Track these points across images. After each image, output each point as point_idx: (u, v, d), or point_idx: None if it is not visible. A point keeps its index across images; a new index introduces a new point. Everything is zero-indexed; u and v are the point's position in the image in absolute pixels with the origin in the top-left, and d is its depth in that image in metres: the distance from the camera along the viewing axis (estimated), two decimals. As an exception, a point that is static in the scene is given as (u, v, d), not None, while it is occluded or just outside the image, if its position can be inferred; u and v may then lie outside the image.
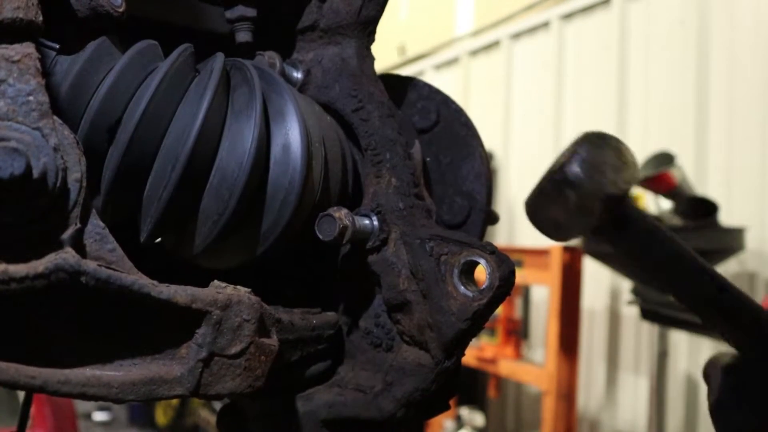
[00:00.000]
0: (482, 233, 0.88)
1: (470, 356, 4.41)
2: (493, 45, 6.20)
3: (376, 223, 0.73)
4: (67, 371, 0.51)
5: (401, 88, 0.90)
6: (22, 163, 0.47)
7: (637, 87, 4.80)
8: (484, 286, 0.66)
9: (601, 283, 4.78)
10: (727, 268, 3.98)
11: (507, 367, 4.34)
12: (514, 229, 5.77)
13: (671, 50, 4.57)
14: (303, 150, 0.66)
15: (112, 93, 0.60)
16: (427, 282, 0.69)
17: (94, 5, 0.60)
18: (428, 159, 0.89)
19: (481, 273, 0.67)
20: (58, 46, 0.61)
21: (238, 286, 0.60)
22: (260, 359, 0.59)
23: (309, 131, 0.68)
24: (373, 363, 0.77)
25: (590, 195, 0.90)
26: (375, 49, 0.83)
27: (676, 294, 1.01)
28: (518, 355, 4.47)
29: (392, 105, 0.80)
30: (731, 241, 3.47)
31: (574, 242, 4.12)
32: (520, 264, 4.12)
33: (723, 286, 0.93)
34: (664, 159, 3.74)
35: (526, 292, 5.11)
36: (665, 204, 3.90)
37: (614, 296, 4.82)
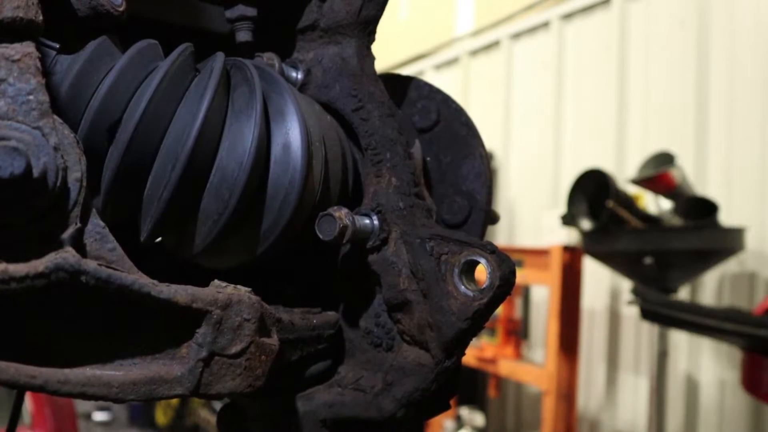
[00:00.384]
0: (482, 233, 0.88)
1: (470, 356, 4.41)
2: (493, 45, 6.20)
3: (376, 222, 0.73)
4: (67, 371, 0.51)
5: (401, 88, 0.90)
6: (22, 163, 0.47)
7: (637, 87, 4.80)
8: (484, 286, 0.66)
9: (601, 283, 4.78)
10: (727, 268, 3.98)
11: (507, 367, 4.34)
12: (514, 229, 5.77)
13: (671, 50, 4.57)
14: (303, 149, 0.66)
15: (113, 92, 0.60)
16: (428, 281, 0.69)
17: (95, 5, 0.60)
18: (428, 158, 0.88)
19: (482, 272, 0.67)
20: (58, 46, 0.61)
21: (239, 286, 0.60)
22: (260, 359, 0.59)
23: (309, 131, 0.68)
24: (373, 363, 0.77)
25: None
26: (375, 49, 0.83)
27: None
28: (518, 355, 4.47)
29: (392, 104, 0.80)
30: (731, 241, 3.47)
31: (574, 242, 4.12)
32: (520, 264, 4.12)
33: None
34: (664, 159, 3.74)
35: (526, 292, 5.11)
36: (665, 204, 3.90)
37: (614, 296, 4.82)
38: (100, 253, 0.54)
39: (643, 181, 3.66)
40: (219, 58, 0.66)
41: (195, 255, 0.66)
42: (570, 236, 4.34)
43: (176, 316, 0.55)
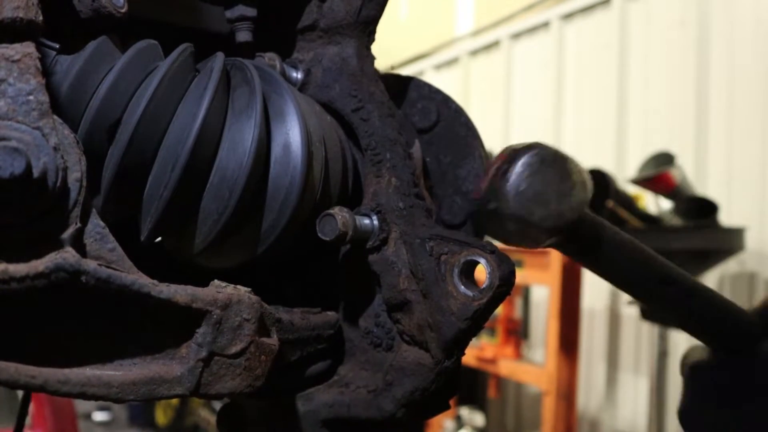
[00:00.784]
0: (482, 234, 0.88)
1: (470, 356, 4.41)
2: (493, 45, 6.20)
3: (376, 222, 0.73)
4: (67, 371, 0.51)
5: (401, 88, 0.90)
6: (22, 163, 0.47)
7: (637, 87, 4.80)
8: (484, 286, 0.66)
9: (601, 283, 4.75)
10: (727, 268, 3.98)
11: (507, 367, 4.34)
12: (514, 229, 5.77)
13: (671, 50, 4.57)
14: (303, 149, 0.66)
15: (113, 92, 0.60)
16: (427, 281, 0.69)
17: (97, 6, 0.60)
18: (428, 159, 0.88)
19: (481, 272, 0.67)
20: (58, 46, 0.61)
21: (239, 286, 0.60)
22: (260, 359, 0.59)
23: (309, 131, 0.68)
24: (373, 363, 0.77)
25: (532, 227, 0.75)
26: (375, 49, 0.83)
27: (628, 290, 0.95)
28: (518, 355, 4.47)
29: (392, 105, 0.80)
30: (731, 241, 3.47)
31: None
32: (520, 264, 4.12)
33: (689, 293, 0.85)
34: (664, 159, 3.75)
35: (526, 292, 5.12)
36: (665, 204, 3.90)
37: (614, 296, 4.82)
38: (100, 253, 0.54)
39: (643, 181, 3.67)
40: (219, 58, 0.66)
41: (195, 255, 0.66)
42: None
43: (176, 316, 0.55)
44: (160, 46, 0.66)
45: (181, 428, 6.30)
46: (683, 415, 0.90)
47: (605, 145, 4.91)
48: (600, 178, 3.77)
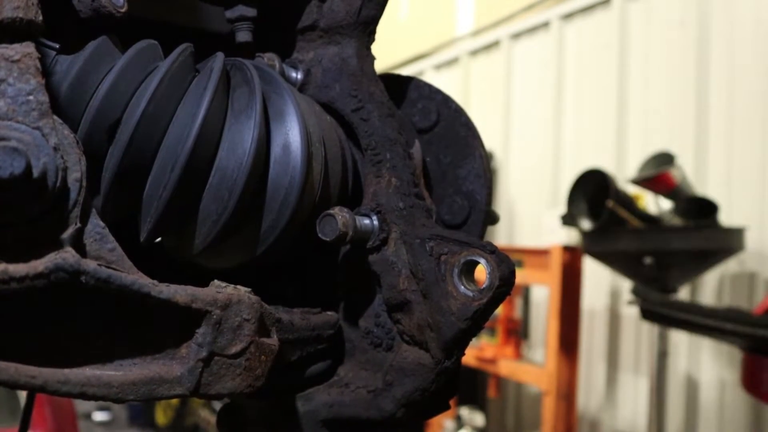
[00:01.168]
0: (482, 233, 0.88)
1: (470, 356, 4.41)
2: (493, 45, 6.20)
3: (376, 222, 0.73)
4: (67, 371, 0.51)
5: (401, 88, 0.90)
6: (22, 163, 0.47)
7: (637, 87, 4.80)
8: (484, 286, 0.66)
9: (601, 283, 4.78)
10: (727, 268, 3.98)
11: (507, 367, 4.34)
12: (514, 229, 5.77)
13: (671, 50, 4.57)
14: (303, 150, 0.66)
15: (112, 92, 0.60)
16: (427, 282, 0.69)
17: (97, 6, 0.60)
18: (428, 159, 0.88)
19: (481, 273, 0.67)
20: (58, 46, 0.61)
21: (238, 286, 0.60)
22: (260, 359, 0.59)
23: (309, 131, 0.68)
24: (373, 363, 0.77)
25: None
26: (374, 49, 0.83)
27: None
28: (518, 355, 4.47)
29: (392, 105, 0.80)
30: (731, 241, 3.47)
31: (575, 242, 4.12)
32: (520, 264, 4.12)
33: None
34: (664, 159, 3.74)
35: (526, 292, 5.11)
36: (665, 204, 3.90)
37: (614, 296, 4.82)
38: (99, 254, 0.54)
39: (643, 181, 3.66)
40: (219, 58, 0.66)
41: (195, 255, 0.66)
42: (570, 236, 4.34)
43: (176, 316, 0.55)
44: (160, 46, 0.66)
45: (181, 428, 6.30)
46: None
47: (605, 145, 4.91)
48: (600, 178, 3.77)
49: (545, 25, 5.59)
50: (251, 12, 0.77)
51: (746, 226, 3.55)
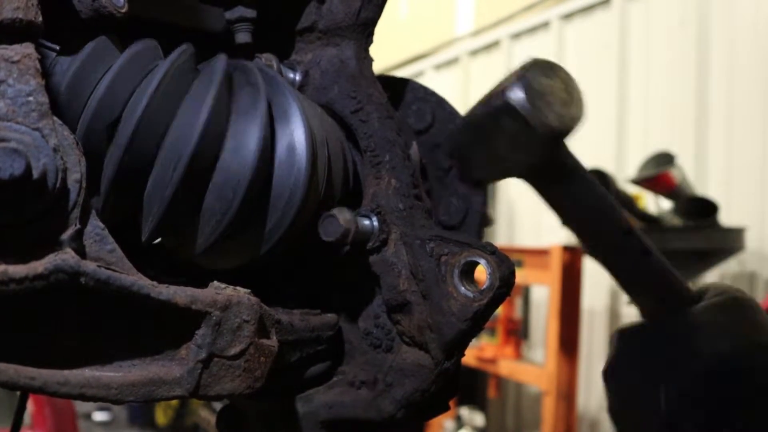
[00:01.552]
0: (479, 235, 0.88)
1: (470, 356, 4.41)
2: (493, 45, 6.20)
3: (376, 223, 0.73)
4: (66, 372, 0.51)
5: (396, 90, 0.90)
6: (22, 164, 0.47)
7: (637, 87, 4.80)
8: (484, 287, 0.66)
9: (601, 283, 4.78)
10: (727, 268, 3.98)
11: (507, 367, 4.34)
12: (514, 229, 5.78)
13: (671, 50, 4.57)
14: (308, 151, 0.65)
15: (111, 91, 0.60)
16: (427, 282, 0.69)
17: (97, 6, 0.60)
18: (424, 160, 0.89)
19: (482, 273, 0.67)
20: (58, 47, 0.61)
21: (238, 287, 0.60)
22: (260, 360, 0.59)
23: (313, 132, 0.68)
24: (372, 364, 0.77)
25: (532, 127, 0.77)
26: (374, 49, 0.83)
27: (596, 250, 0.97)
28: (518, 355, 4.47)
29: (390, 106, 0.80)
30: (731, 241, 3.47)
31: (575, 242, 4.12)
32: (520, 264, 4.12)
33: (647, 250, 0.88)
34: (664, 159, 3.74)
35: (526, 292, 5.11)
36: (665, 204, 3.90)
37: (614, 296, 4.82)
38: (99, 255, 0.54)
39: (643, 181, 3.66)
40: (221, 58, 0.66)
41: (197, 255, 0.66)
42: (570, 236, 4.34)
43: (175, 318, 0.55)
44: (160, 46, 0.66)
45: (181, 428, 6.30)
46: (607, 373, 0.91)
47: (605, 145, 4.91)
48: (600, 178, 3.77)
49: (545, 25, 5.60)
50: (251, 13, 0.77)
51: (746, 226, 3.55)
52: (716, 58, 4.28)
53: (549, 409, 3.88)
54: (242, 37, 0.78)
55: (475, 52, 6.43)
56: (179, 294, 0.55)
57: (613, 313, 4.82)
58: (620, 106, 4.87)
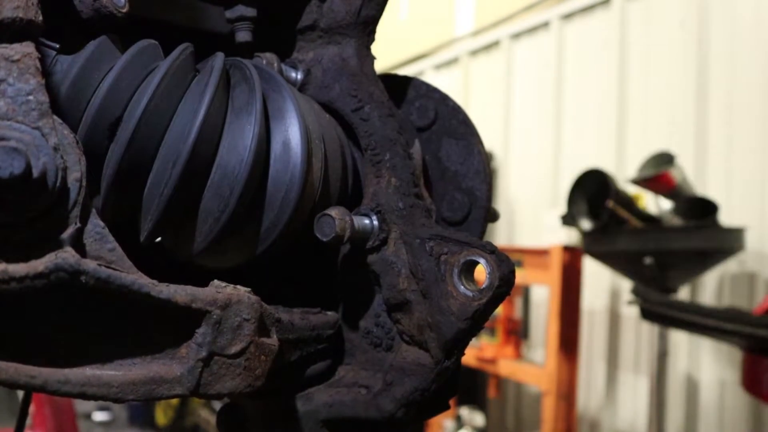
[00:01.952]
0: (483, 230, 0.88)
1: (470, 356, 4.41)
2: (493, 45, 6.20)
3: (375, 222, 0.73)
4: (66, 371, 0.51)
5: (400, 88, 0.90)
6: (22, 163, 0.47)
7: (637, 87, 4.80)
8: (483, 286, 0.66)
9: (601, 283, 4.78)
10: (727, 268, 3.98)
11: (507, 367, 4.34)
12: (514, 229, 5.77)
13: (671, 50, 4.57)
14: (303, 147, 0.66)
15: (113, 92, 0.60)
16: (427, 282, 0.69)
17: (98, 6, 0.60)
18: (427, 157, 0.89)
19: (481, 273, 0.67)
20: (58, 46, 0.61)
21: (238, 286, 0.60)
22: (260, 359, 0.59)
23: (309, 128, 0.68)
24: (373, 363, 0.77)
25: None
26: (374, 49, 0.83)
27: None
28: (518, 355, 4.47)
29: (392, 105, 0.80)
30: (731, 241, 3.46)
31: (574, 242, 4.12)
32: (520, 264, 4.12)
33: None
34: (664, 159, 3.74)
35: (526, 292, 5.11)
36: (665, 204, 3.90)
37: (614, 296, 4.82)
38: (99, 253, 0.54)
39: (643, 181, 3.66)
40: (219, 57, 0.66)
41: (196, 254, 0.66)
42: (570, 236, 4.34)
43: (176, 316, 0.55)
44: (160, 46, 0.66)
45: (181, 428, 6.30)
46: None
47: (605, 145, 4.91)
48: (600, 178, 3.77)
49: (545, 25, 5.59)
50: (251, 12, 0.77)
51: (746, 226, 3.55)
52: (716, 58, 4.28)
53: (549, 409, 3.88)
54: (243, 35, 0.78)
55: (475, 52, 6.43)
56: (179, 293, 0.55)
57: (613, 313, 4.82)
58: (620, 106, 4.86)
